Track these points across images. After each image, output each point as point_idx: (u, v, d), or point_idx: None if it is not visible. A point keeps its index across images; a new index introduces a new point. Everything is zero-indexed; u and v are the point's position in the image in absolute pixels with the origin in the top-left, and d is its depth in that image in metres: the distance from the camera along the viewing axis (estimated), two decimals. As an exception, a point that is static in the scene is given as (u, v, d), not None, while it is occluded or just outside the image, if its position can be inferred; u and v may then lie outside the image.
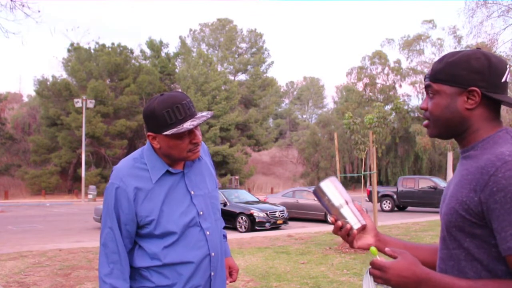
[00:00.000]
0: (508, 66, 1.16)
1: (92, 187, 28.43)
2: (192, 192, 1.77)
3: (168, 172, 1.73)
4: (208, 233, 1.77)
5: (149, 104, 1.67)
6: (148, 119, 1.67)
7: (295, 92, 68.19)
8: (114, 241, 1.69)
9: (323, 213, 15.22)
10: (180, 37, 43.51)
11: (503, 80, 1.14)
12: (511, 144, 1.08)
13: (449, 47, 33.83)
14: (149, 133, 1.71)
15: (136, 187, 1.68)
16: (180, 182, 1.75)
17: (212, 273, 1.77)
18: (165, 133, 1.62)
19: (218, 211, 1.88)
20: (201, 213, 1.76)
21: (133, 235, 1.72)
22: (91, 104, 29.50)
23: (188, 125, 1.62)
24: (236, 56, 45.01)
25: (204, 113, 1.70)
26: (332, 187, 1.35)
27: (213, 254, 1.77)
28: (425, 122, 1.25)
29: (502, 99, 1.13)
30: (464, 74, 1.13)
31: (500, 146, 1.09)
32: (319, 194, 1.36)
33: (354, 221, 1.31)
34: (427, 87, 1.22)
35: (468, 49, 1.22)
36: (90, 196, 27.73)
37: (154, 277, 1.71)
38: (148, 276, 1.71)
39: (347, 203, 1.34)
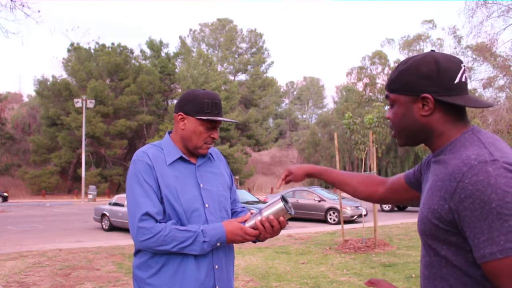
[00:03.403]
0: (462, 65, 1.11)
1: (92, 187, 28.45)
2: (201, 185, 1.83)
3: (182, 159, 1.84)
4: None
5: (192, 91, 1.86)
6: (187, 101, 1.82)
7: (295, 92, 68.21)
8: (147, 197, 1.72)
9: (323, 213, 15.22)
10: (180, 37, 43.60)
11: (457, 81, 1.10)
12: (477, 147, 1.05)
13: (449, 47, 33.89)
14: (180, 113, 1.83)
15: (154, 161, 1.78)
16: (191, 173, 1.85)
17: (216, 266, 1.80)
18: (201, 117, 1.78)
19: (226, 212, 1.90)
20: (207, 205, 1.81)
21: (158, 195, 1.75)
22: (91, 104, 29.51)
23: (220, 118, 1.83)
24: (236, 56, 45.04)
25: (232, 120, 1.88)
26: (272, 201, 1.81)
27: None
28: (393, 132, 1.23)
29: (456, 102, 1.09)
30: (414, 81, 1.12)
31: (466, 149, 1.06)
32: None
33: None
34: (386, 97, 1.21)
35: (419, 53, 1.19)
36: (90, 196, 27.75)
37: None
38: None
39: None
